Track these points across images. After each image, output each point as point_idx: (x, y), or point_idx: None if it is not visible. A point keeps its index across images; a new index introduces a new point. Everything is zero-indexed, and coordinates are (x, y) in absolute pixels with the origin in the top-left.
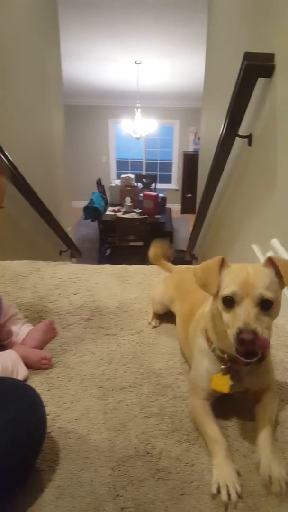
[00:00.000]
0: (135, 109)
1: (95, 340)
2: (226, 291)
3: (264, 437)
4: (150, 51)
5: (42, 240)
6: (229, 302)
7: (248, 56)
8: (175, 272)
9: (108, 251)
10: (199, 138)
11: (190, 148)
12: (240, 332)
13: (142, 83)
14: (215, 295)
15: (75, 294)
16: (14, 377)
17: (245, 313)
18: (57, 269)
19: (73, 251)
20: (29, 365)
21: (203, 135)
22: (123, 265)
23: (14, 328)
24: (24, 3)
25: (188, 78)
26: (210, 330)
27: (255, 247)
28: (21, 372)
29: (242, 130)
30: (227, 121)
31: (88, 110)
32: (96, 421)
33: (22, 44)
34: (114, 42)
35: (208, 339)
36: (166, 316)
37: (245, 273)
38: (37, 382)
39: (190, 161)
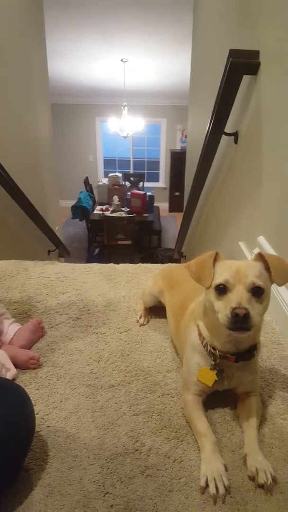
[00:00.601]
0: (122, 107)
1: (84, 339)
2: (219, 279)
3: (250, 432)
4: (136, 50)
5: (30, 239)
6: (222, 290)
7: (233, 53)
8: (163, 267)
9: (97, 250)
10: (186, 136)
11: (177, 146)
12: (233, 310)
13: (128, 81)
14: (209, 287)
15: (63, 293)
16: (3, 376)
17: (238, 296)
18: (45, 269)
19: (61, 250)
20: (17, 365)
21: (190, 133)
22: (111, 264)
23: (2, 327)
24: (9, 2)
25: (174, 76)
26: (202, 326)
27: (242, 245)
28: (9, 372)
29: (228, 128)
30: (213, 118)
31: (75, 109)
32: (85, 420)
33: (6, 43)
34: (100, 40)
35: (200, 335)
36: (154, 314)
37: (237, 265)
38: (25, 381)
39: (178, 159)
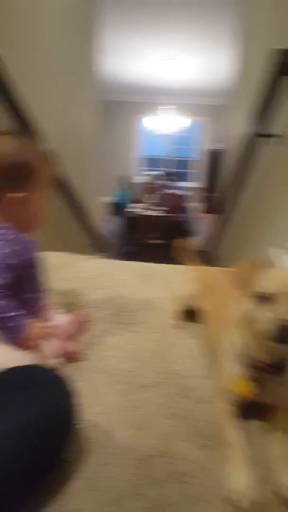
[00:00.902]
0: (163, 106)
1: (122, 336)
2: (264, 289)
3: (281, 448)
4: (181, 48)
5: (71, 233)
6: (267, 299)
7: (277, 53)
8: (200, 271)
9: (129, 248)
10: (225, 136)
11: (216, 146)
12: (279, 321)
13: (172, 79)
14: (252, 296)
15: (102, 289)
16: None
17: (284, 307)
18: (88, 263)
19: (99, 246)
20: (60, 357)
21: (230, 133)
22: (149, 263)
23: (50, 316)
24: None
25: (213, 75)
26: (241, 334)
27: (276, 250)
28: (54, 362)
29: (269, 129)
30: (253, 119)
31: (116, 106)
32: (120, 417)
33: (58, 41)
34: (149, 38)
35: (239, 343)
36: (189, 318)
37: (284, 274)
38: (67, 373)
39: (215, 159)
